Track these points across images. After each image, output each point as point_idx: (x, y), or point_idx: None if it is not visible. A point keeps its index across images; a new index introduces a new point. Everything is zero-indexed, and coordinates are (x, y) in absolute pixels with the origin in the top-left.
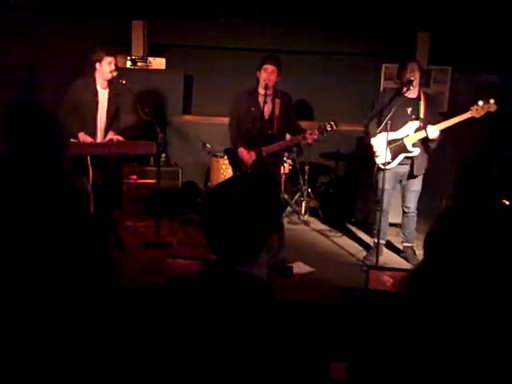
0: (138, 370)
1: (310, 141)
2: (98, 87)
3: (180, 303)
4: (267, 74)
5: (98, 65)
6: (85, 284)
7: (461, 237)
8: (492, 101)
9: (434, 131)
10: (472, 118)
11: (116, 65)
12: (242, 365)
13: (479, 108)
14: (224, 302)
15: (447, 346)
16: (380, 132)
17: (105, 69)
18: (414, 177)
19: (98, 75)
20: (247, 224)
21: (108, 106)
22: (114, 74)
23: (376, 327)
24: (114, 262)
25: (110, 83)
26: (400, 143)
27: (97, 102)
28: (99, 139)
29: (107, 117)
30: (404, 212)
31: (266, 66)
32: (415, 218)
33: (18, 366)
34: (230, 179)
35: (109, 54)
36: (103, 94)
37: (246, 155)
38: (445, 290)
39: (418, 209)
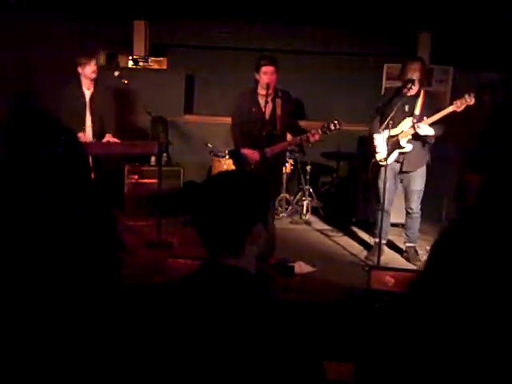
0: (134, 367)
1: (312, 141)
2: (84, 89)
3: (171, 302)
4: (268, 76)
5: (79, 68)
6: (85, 282)
7: (466, 250)
8: (472, 95)
9: (422, 127)
10: (472, 116)
11: (97, 63)
12: (233, 362)
13: (459, 102)
14: (212, 297)
15: (447, 348)
16: (383, 130)
17: (87, 71)
18: (404, 172)
19: (82, 77)
20: (228, 211)
21: (90, 105)
22: (96, 74)
23: (380, 327)
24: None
25: (95, 83)
26: (395, 139)
27: (84, 104)
28: (87, 139)
29: (91, 116)
30: (407, 213)
31: (266, 68)
32: (419, 219)
33: (17, 364)
34: (214, 176)
35: (87, 57)
36: (87, 95)
37: (252, 154)
38: (448, 294)
39: (420, 209)
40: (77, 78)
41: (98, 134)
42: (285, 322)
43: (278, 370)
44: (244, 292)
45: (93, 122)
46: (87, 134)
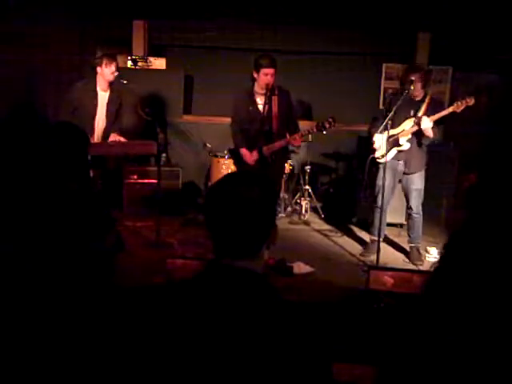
0: (140, 368)
1: (293, 145)
2: (99, 90)
3: (183, 302)
4: (268, 78)
5: (98, 68)
6: (83, 282)
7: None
8: (472, 97)
9: (426, 121)
10: (469, 117)
11: (117, 66)
12: (244, 363)
13: (459, 103)
14: (226, 299)
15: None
16: (382, 131)
17: (106, 71)
18: (407, 174)
19: (99, 78)
20: (251, 218)
21: (107, 108)
22: (116, 74)
23: (398, 331)
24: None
25: (111, 85)
26: (395, 138)
27: (96, 105)
28: (96, 141)
29: (106, 119)
30: (408, 213)
31: (267, 70)
32: (420, 219)
33: (18, 364)
34: (227, 176)
35: (109, 58)
36: (103, 97)
37: (249, 156)
38: (464, 295)
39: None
40: (93, 77)
41: (105, 136)
42: (297, 323)
43: (289, 370)
44: (256, 293)
45: (105, 124)
46: (95, 136)
